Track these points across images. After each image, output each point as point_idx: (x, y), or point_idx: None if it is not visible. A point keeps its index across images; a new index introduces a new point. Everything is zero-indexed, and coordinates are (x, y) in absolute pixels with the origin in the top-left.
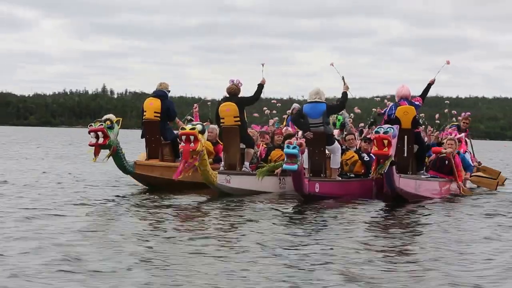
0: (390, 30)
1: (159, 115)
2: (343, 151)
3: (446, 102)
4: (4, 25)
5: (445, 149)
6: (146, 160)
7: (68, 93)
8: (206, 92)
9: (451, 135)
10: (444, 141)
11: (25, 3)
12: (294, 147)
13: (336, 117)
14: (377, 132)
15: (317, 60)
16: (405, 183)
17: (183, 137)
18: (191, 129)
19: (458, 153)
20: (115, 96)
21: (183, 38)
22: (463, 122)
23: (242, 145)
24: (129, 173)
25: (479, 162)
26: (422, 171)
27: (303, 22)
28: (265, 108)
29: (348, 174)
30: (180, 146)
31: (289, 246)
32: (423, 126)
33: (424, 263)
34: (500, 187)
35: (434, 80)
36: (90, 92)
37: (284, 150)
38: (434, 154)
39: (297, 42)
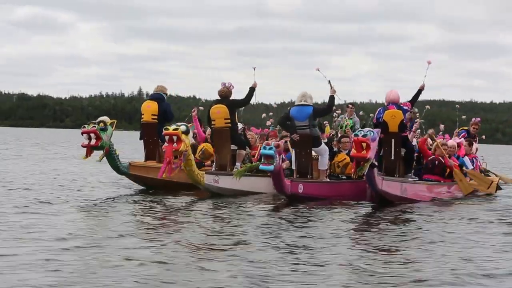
0: (425, 35)
1: (156, 117)
2: (335, 153)
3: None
4: (41, 27)
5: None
6: (144, 161)
7: (104, 96)
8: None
9: (443, 139)
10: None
11: (63, 7)
12: (270, 148)
13: (346, 120)
14: (356, 135)
15: (353, 65)
16: (390, 185)
17: (166, 138)
18: (174, 129)
19: (458, 157)
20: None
21: (219, 42)
22: (473, 128)
23: (234, 147)
24: (123, 174)
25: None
26: (410, 174)
27: (339, 27)
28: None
29: (340, 176)
30: (163, 146)
31: (271, 246)
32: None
33: (408, 264)
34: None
35: (424, 85)
36: (126, 95)
37: (261, 151)
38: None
39: (332, 47)
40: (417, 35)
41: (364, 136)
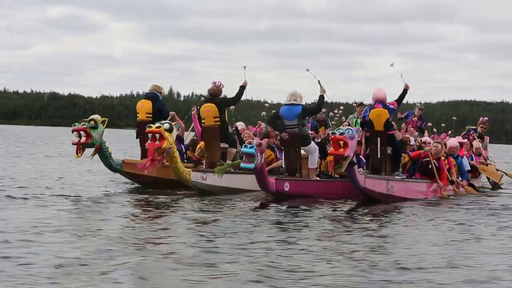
0: (457, 35)
1: (151, 115)
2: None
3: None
4: (74, 27)
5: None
6: (141, 159)
7: (135, 95)
8: (272, 96)
9: (439, 138)
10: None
11: (96, 6)
12: (251, 147)
13: (356, 120)
14: (333, 133)
15: (384, 65)
16: (374, 183)
17: (149, 135)
18: (157, 127)
19: (457, 157)
20: (182, 99)
21: (251, 42)
22: (481, 127)
23: (225, 145)
24: (117, 171)
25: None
26: (397, 172)
27: (371, 27)
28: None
29: (333, 175)
30: (146, 144)
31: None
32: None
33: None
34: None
35: (407, 85)
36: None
37: (242, 149)
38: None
39: (364, 47)
40: (449, 35)
41: (341, 134)
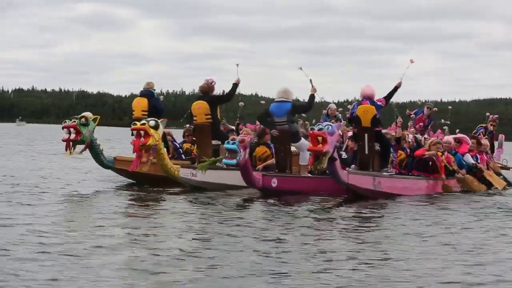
0: (490, 33)
1: (146, 113)
2: None
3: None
4: (102, 25)
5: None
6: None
7: (165, 93)
8: (301, 94)
9: (438, 137)
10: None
11: (124, 3)
12: (233, 143)
13: None
14: (312, 129)
15: (416, 63)
16: (359, 179)
17: (134, 132)
18: (142, 124)
19: (455, 153)
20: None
21: (280, 40)
22: (491, 124)
23: (217, 142)
24: (108, 167)
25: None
26: (386, 169)
27: (403, 24)
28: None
29: (327, 171)
30: (131, 140)
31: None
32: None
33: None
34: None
35: (401, 83)
36: (186, 93)
37: (225, 145)
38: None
39: (396, 45)
40: (482, 33)
41: (319, 130)
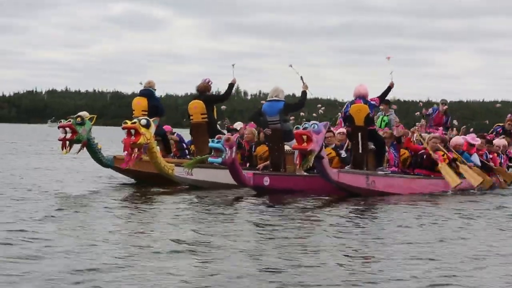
0: None
1: (146, 113)
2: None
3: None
4: (137, 24)
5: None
6: None
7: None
8: (340, 93)
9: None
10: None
11: (159, 2)
12: (218, 142)
13: (382, 117)
14: (297, 127)
15: (458, 61)
16: (351, 178)
17: (125, 131)
18: (132, 123)
19: (462, 153)
20: (249, 97)
21: (320, 39)
22: (509, 124)
23: None
24: (107, 166)
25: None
26: (381, 168)
27: (443, 23)
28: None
29: (315, 170)
30: (123, 139)
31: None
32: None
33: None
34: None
35: (393, 82)
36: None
37: (209, 144)
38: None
39: (437, 43)
40: None
41: (304, 128)
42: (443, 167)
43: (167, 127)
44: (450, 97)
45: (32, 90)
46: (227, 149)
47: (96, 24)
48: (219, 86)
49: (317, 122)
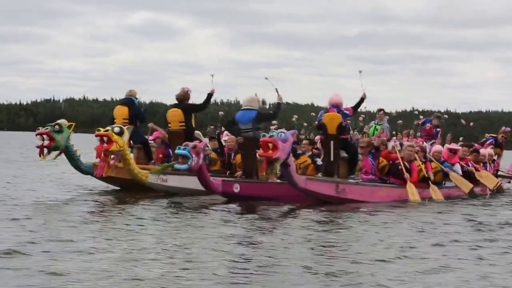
0: None
1: (127, 121)
2: (298, 155)
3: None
4: (156, 33)
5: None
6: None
7: (219, 103)
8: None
9: (422, 143)
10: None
11: (179, 12)
12: (184, 149)
13: (375, 126)
14: (263, 135)
15: (477, 71)
16: (320, 185)
17: (98, 138)
18: (105, 130)
19: (442, 162)
20: (267, 106)
21: (339, 48)
22: (501, 136)
23: None
24: (87, 173)
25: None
26: (353, 176)
27: (463, 32)
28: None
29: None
30: (95, 146)
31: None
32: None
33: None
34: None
35: (365, 94)
36: (241, 103)
37: (176, 151)
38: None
39: (456, 53)
40: None
41: (270, 136)
42: (409, 186)
43: (157, 133)
44: (469, 107)
45: (50, 99)
46: (193, 156)
47: (116, 34)
48: (237, 96)
49: (284, 130)
